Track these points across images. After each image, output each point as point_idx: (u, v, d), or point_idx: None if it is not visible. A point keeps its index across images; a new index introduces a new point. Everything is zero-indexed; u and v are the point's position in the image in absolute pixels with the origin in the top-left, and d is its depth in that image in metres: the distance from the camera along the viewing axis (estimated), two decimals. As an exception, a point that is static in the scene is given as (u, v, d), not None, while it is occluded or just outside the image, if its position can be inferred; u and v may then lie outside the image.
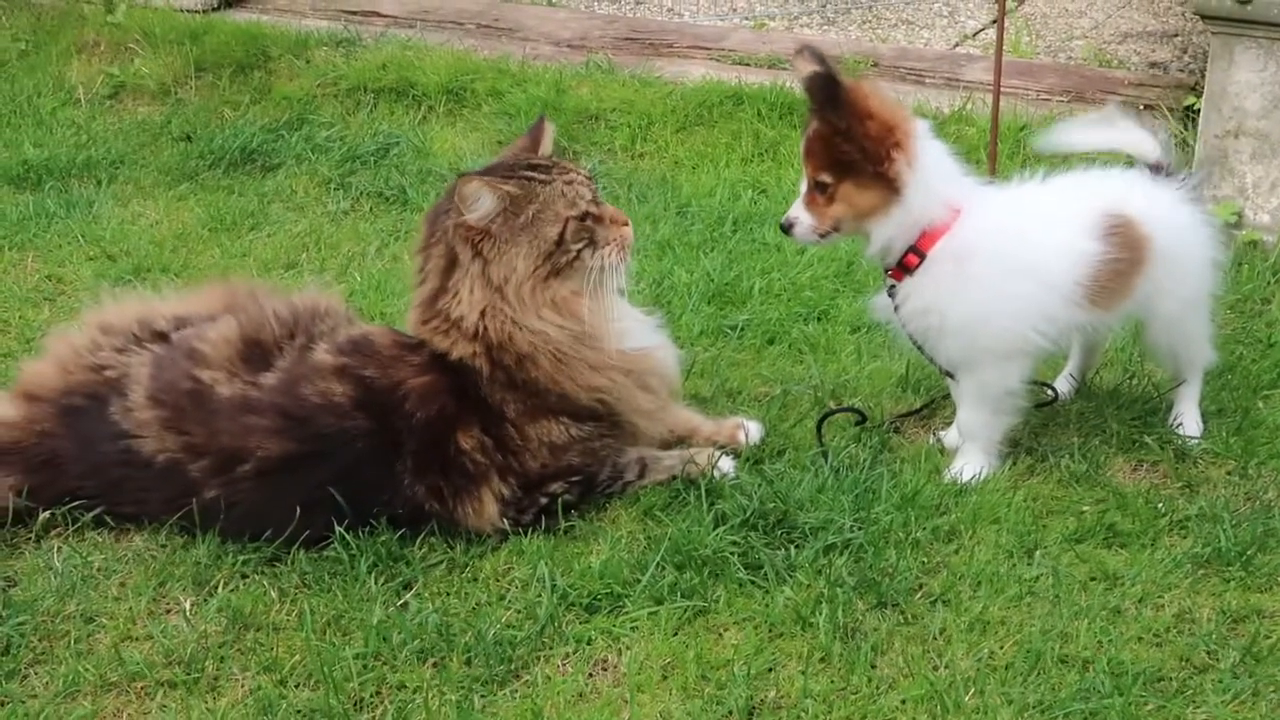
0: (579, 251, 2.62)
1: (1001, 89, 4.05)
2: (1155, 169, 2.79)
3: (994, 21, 5.36)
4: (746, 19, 5.48)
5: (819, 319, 3.42)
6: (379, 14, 5.57)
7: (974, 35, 5.29)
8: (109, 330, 2.74)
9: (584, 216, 2.63)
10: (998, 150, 4.07)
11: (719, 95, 4.65)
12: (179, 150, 4.74)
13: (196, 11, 5.64)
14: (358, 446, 2.52)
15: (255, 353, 2.63)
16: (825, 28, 5.42)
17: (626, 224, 2.71)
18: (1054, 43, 5.16)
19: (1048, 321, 2.65)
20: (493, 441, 2.57)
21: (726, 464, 2.71)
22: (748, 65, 4.90)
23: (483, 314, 2.57)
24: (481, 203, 2.55)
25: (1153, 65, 4.88)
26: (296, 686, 2.22)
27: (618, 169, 4.41)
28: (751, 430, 2.85)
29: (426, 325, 2.62)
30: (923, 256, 2.63)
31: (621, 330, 2.67)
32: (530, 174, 2.63)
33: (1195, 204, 2.79)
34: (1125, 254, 2.64)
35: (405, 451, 2.53)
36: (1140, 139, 2.84)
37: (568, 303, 2.61)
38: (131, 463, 2.56)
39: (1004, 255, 2.62)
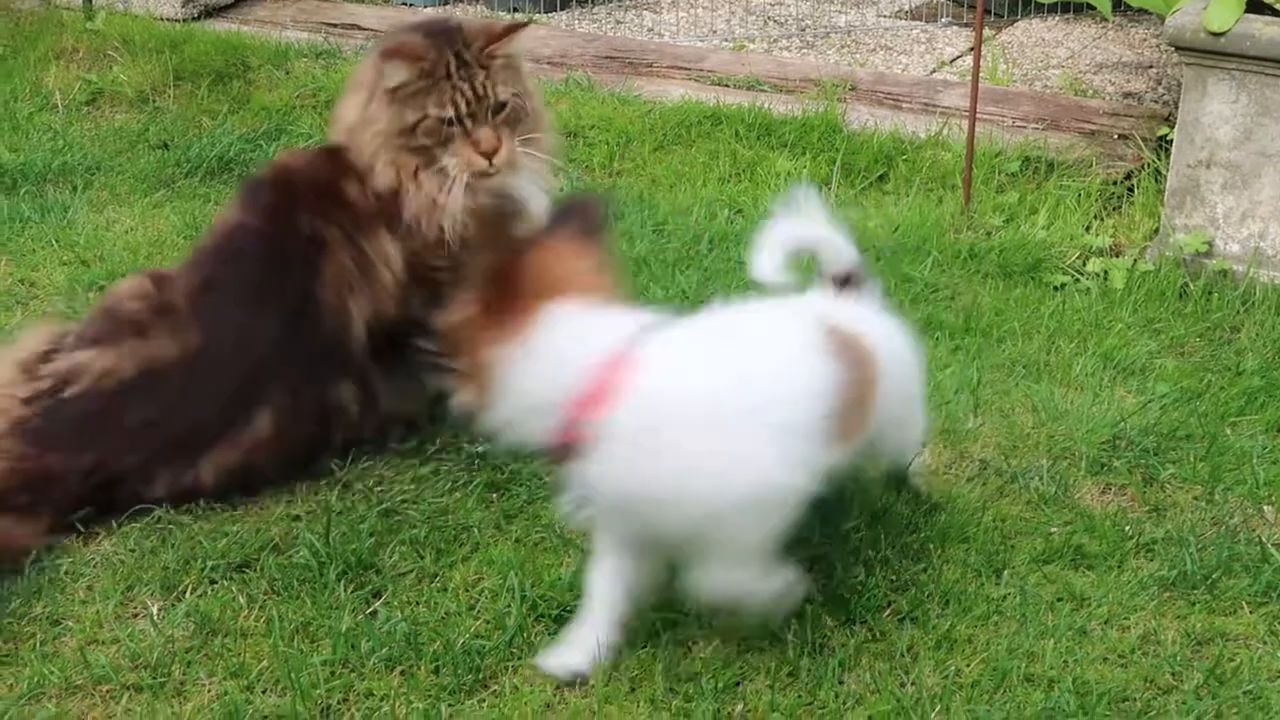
0: (430, 146, 2.74)
1: (978, 115, 4.09)
2: (845, 280, 2.51)
3: (971, 49, 5.41)
4: (726, 40, 5.51)
5: (782, 338, 3.43)
6: (359, 27, 5.58)
7: (951, 62, 5.33)
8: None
9: (446, 121, 2.73)
10: (972, 175, 4.12)
11: (697, 115, 4.67)
12: (156, 158, 4.73)
13: (176, 20, 5.64)
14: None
15: None
16: (804, 51, 5.45)
17: (486, 155, 2.75)
18: (1030, 71, 5.20)
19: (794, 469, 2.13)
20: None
21: None
22: (726, 86, 4.93)
23: (350, 128, 2.79)
24: (397, 72, 2.73)
25: (1127, 95, 4.93)
26: (264, 692, 2.21)
27: (596, 186, 4.42)
28: None
29: None
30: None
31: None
32: (450, 61, 2.74)
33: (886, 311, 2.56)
34: (861, 373, 2.25)
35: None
36: (836, 243, 2.51)
37: (405, 169, 2.76)
38: None
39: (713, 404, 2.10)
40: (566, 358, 2.10)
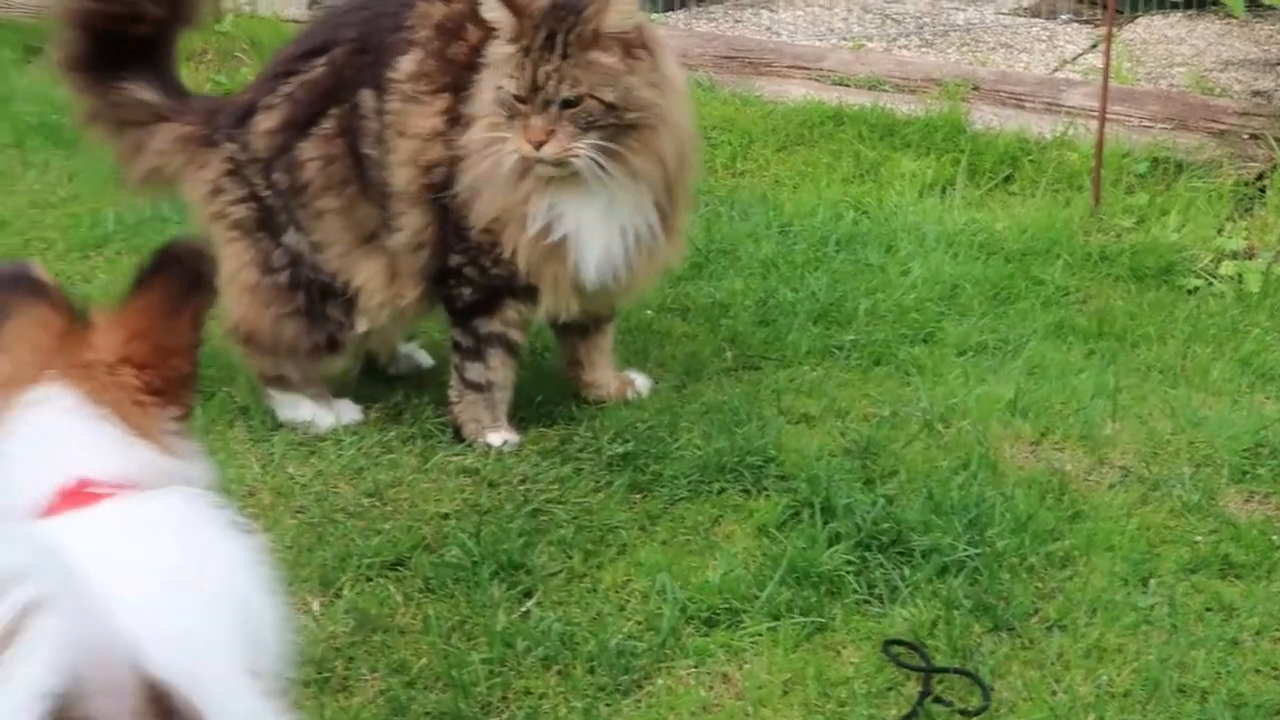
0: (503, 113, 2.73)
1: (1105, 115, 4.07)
2: None
3: (1093, 47, 5.38)
4: (844, 39, 5.51)
5: (924, 341, 3.45)
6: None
7: (1073, 60, 5.30)
8: None
9: (514, 97, 2.69)
10: (1101, 177, 4.09)
11: (819, 115, 4.69)
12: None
13: (301, 21, 5.74)
14: None
15: None
16: (924, 49, 5.44)
17: (533, 144, 2.67)
18: (1154, 69, 5.15)
19: None
20: None
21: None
22: (847, 85, 4.93)
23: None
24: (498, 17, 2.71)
25: (1256, 94, 4.87)
26: (425, 689, 2.27)
27: (719, 186, 4.45)
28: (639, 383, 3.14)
29: None
30: None
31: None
32: (540, 36, 2.66)
33: None
34: None
35: None
36: None
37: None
38: None
39: None
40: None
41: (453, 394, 3.01)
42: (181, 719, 1.27)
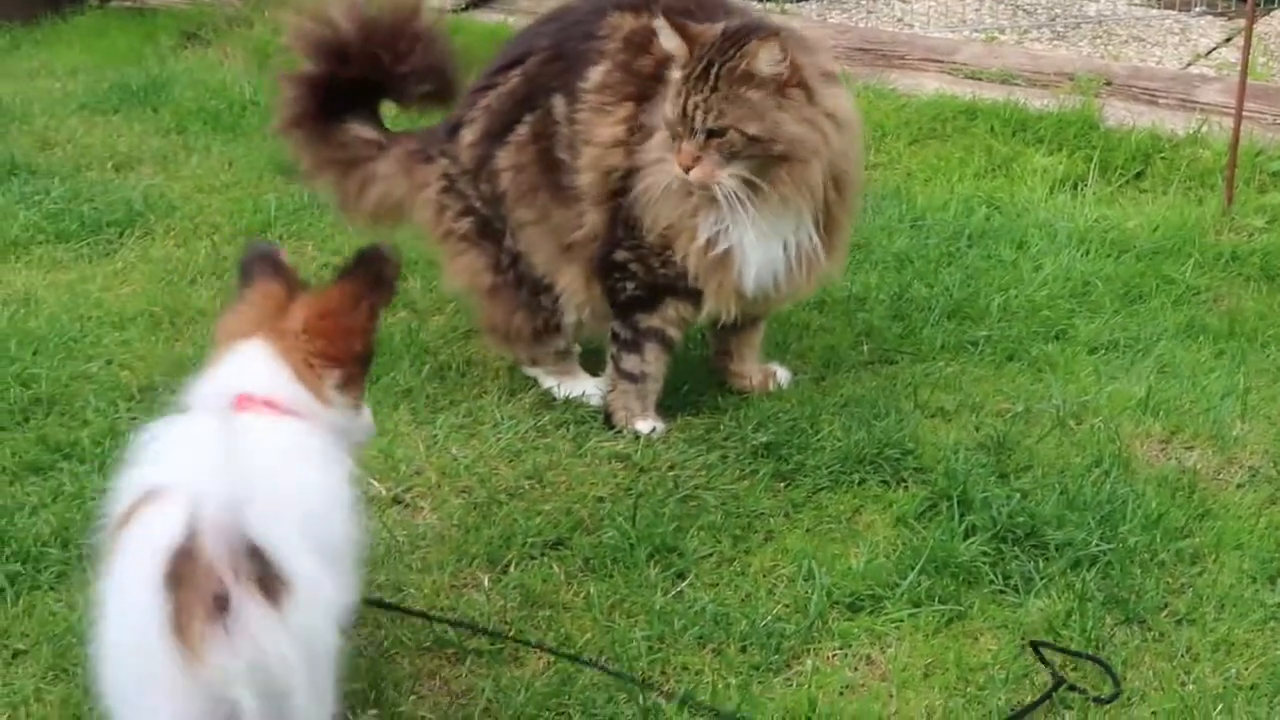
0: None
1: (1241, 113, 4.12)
2: None
3: (1227, 40, 5.40)
4: (976, 31, 5.59)
5: (1056, 338, 3.55)
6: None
7: (1207, 54, 5.32)
8: None
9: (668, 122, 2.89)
10: (1235, 176, 4.15)
11: (952, 109, 4.79)
12: (433, 145, 5.03)
13: (448, 11, 5.94)
14: None
15: None
16: (1055, 42, 5.50)
17: (683, 167, 2.85)
18: (1289, 64, 5.17)
19: None
20: None
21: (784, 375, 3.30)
22: (979, 79, 5.02)
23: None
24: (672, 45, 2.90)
25: (1392, 91, 4.87)
26: (589, 664, 2.45)
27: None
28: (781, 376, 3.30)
29: None
30: None
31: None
32: (698, 69, 2.83)
33: None
34: None
35: None
36: None
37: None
38: None
39: None
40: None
41: (606, 383, 3.18)
42: (269, 569, 1.73)
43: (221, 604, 1.70)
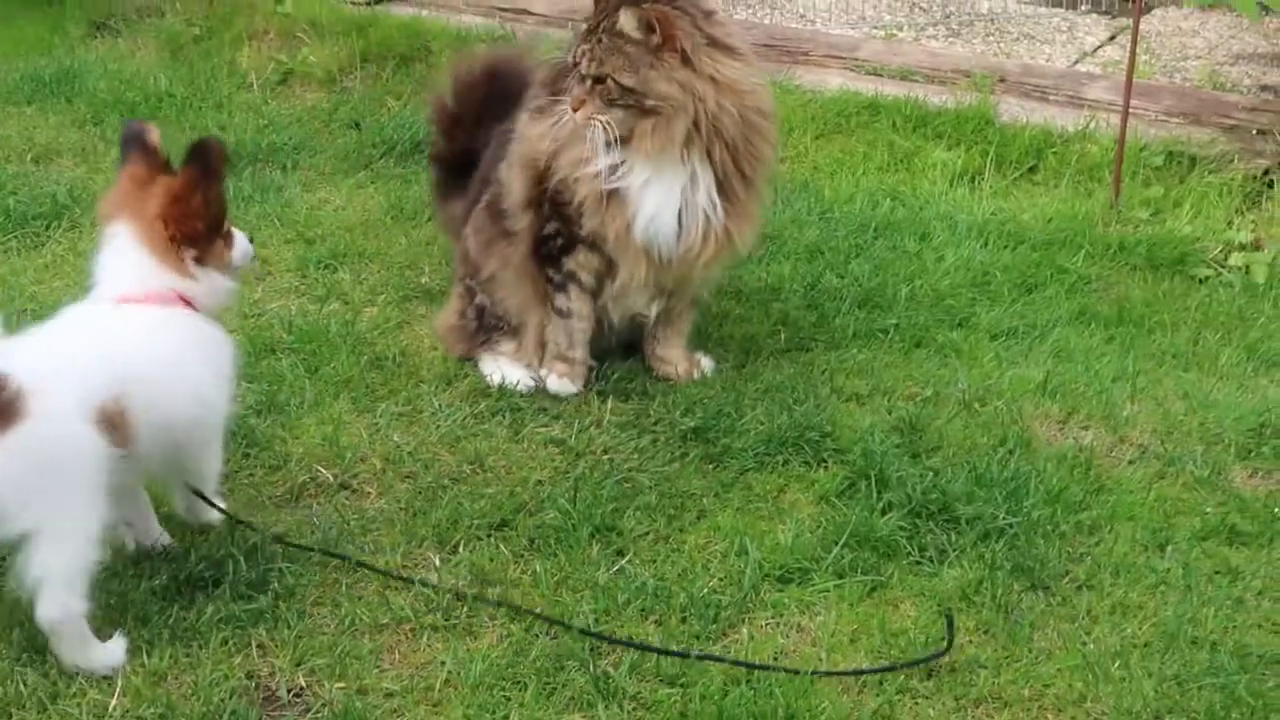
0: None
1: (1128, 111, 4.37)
2: None
3: (1111, 38, 5.68)
4: (876, 28, 5.81)
5: (960, 325, 3.78)
6: (530, 12, 5.94)
7: (1093, 52, 5.59)
8: None
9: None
10: (1121, 170, 4.41)
11: (855, 105, 5.00)
12: (351, 138, 5.14)
13: (361, 4, 6.04)
14: None
15: None
16: (950, 39, 5.74)
17: (571, 108, 3.24)
18: (1169, 62, 5.45)
19: None
20: None
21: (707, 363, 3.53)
22: (880, 75, 5.24)
23: None
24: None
25: (1265, 89, 5.18)
26: (539, 636, 2.61)
27: (762, 173, 4.75)
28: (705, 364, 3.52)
29: None
30: None
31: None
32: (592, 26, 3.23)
33: None
34: None
35: None
36: None
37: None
38: None
39: None
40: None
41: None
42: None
43: None
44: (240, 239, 2.83)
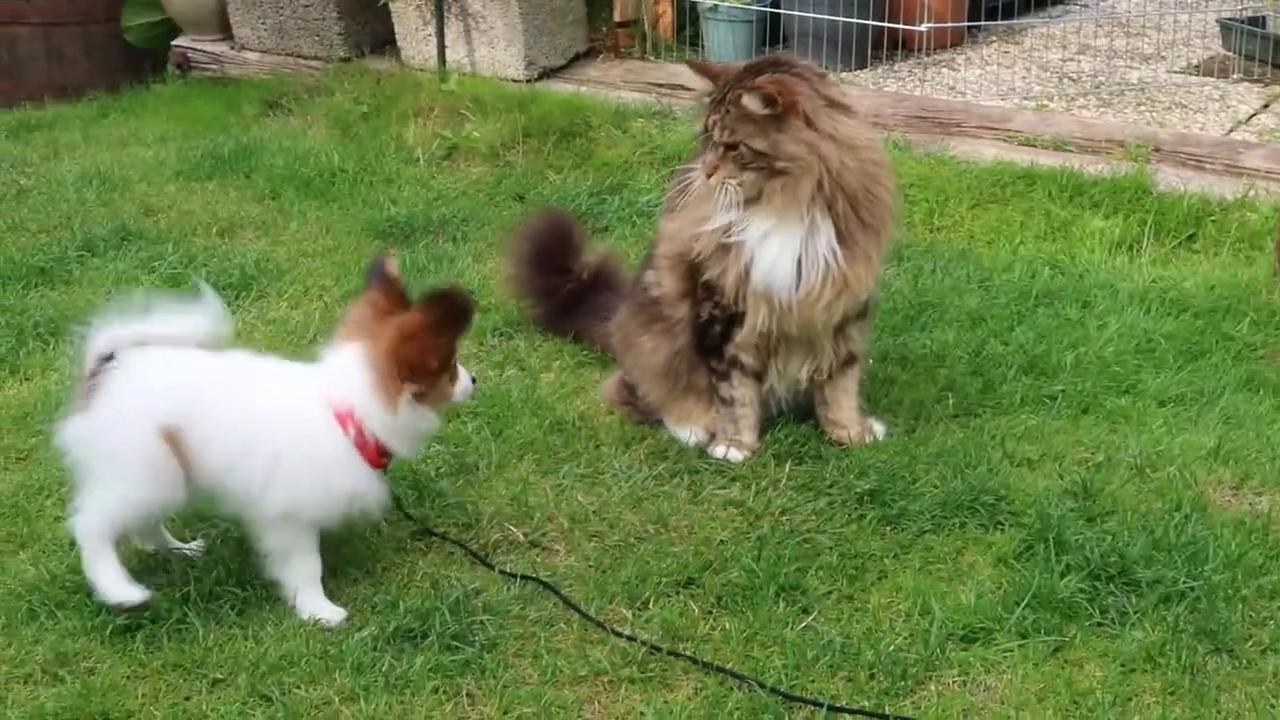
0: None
1: (1291, 183, 4.39)
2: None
3: (1265, 106, 5.70)
4: (1026, 99, 5.89)
5: (1127, 392, 3.82)
6: (684, 87, 6.09)
7: (1248, 120, 5.61)
8: None
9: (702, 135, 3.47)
10: (1284, 239, 4.42)
11: (1010, 175, 5.08)
12: (515, 210, 5.34)
13: (520, 81, 6.26)
14: None
15: None
16: (1102, 110, 5.79)
17: (705, 172, 3.41)
18: (1326, 129, 5.45)
19: None
20: None
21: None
22: (1034, 145, 5.31)
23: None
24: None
25: None
26: (733, 689, 2.71)
27: (918, 241, 4.85)
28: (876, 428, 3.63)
29: None
30: None
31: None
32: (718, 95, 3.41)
33: None
34: None
35: None
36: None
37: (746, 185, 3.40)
38: None
39: None
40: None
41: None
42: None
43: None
44: (464, 378, 3.01)
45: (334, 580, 3.02)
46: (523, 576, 3.03)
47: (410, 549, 3.17)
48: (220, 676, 2.75)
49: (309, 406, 2.89)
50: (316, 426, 2.87)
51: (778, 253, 3.38)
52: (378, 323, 2.89)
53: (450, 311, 2.89)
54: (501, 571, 3.06)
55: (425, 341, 2.86)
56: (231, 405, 2.88)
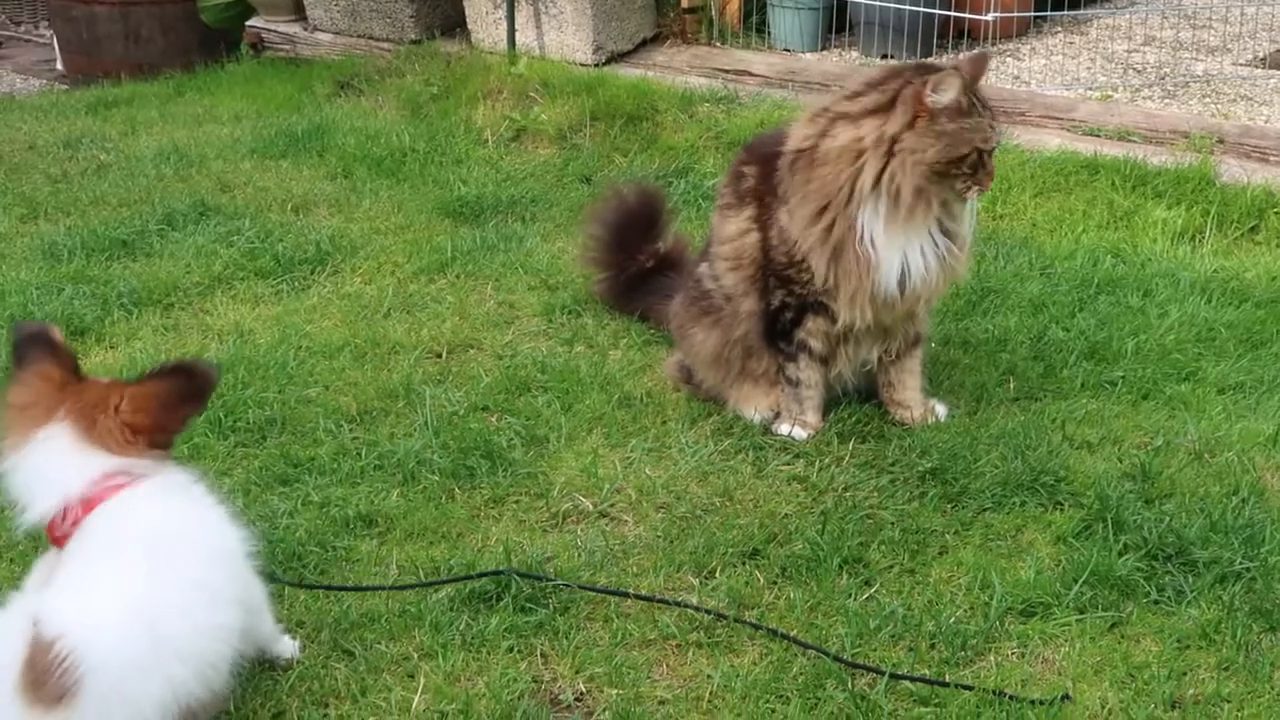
0: (962, 176, 3.34)
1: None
2: None
3: (1331, 100, 5.70)
4: (1090, 89, 5.92)
5: (1187, 379, 3.87)
6: (750, 73, 6.19)
7: (1312, 113, 5.62)
8: None
9: (981, 155, 3.32)
10: (1348, 231, 4.45)
11: (1074, 164, 5.13)
12: (583, 191, 5.44)
13: (588, 65, 6.36)
14: None
15: None
16: (1166, 101, 5.82)
17: (991, 181, 3.43)
18: (1392, 124, 5.46)
19: None
20: None
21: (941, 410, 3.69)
22: (1098, 136, 5.35)
23: (860, 152, 3.34)
24: (946, 93, 3.27)
25: None
26: (798, 655, 2.80)
27: (981, 229, 4.90)
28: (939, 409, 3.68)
29: (817, 115, 3.47)
30: None
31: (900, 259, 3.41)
32: (977, 100, 3.34)
33: None
34: None
35: None
36: None
37: (922, 195, 3.33)
38: None
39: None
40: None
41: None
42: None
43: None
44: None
45: (411, 544, 3.14)
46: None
47: (484, 516, 3.28)
48: (303, 632, 2.86)
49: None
50: None
51: (900, 253, 3.41)
52: (67, 397, 2.47)
53: (195, 388, 2.54)
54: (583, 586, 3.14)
55: (161, 418, 2.50)
56: None
